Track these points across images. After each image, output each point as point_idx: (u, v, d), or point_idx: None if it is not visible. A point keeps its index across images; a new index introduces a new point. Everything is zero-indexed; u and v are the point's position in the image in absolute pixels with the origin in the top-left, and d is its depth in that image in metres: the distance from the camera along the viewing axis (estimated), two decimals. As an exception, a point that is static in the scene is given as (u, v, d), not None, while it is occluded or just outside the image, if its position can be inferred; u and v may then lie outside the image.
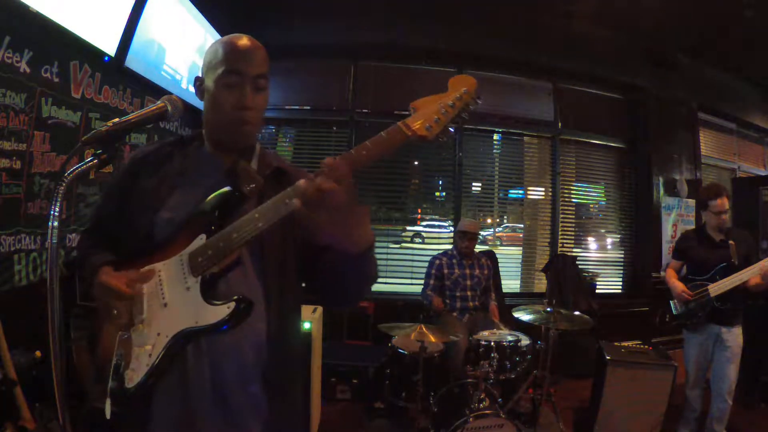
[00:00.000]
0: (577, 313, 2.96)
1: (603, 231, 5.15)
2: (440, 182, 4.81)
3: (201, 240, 0.95)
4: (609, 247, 5.14)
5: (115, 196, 1.12)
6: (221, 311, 0.91)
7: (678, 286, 2.83)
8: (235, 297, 0.92)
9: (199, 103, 1.09)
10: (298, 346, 1.17)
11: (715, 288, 2.66)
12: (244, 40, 1.03)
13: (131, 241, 1.04)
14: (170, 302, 0.95)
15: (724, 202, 2.72)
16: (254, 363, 1.00)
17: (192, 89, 1.12)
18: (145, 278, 0.97)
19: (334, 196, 0.81)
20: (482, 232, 4.57)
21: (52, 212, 0.79)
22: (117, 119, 0.90)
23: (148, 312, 0.96)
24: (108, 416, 0.91)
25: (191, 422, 0.96)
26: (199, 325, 0.92)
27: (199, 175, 1.06)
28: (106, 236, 1.11)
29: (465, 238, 3.41)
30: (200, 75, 1.08)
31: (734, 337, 2.69)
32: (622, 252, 5.10)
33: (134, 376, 0.93)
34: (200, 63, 1.10)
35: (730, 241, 2.69)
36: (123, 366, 0.94)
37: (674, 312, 2.88)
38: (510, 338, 2.78)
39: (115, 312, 0.95)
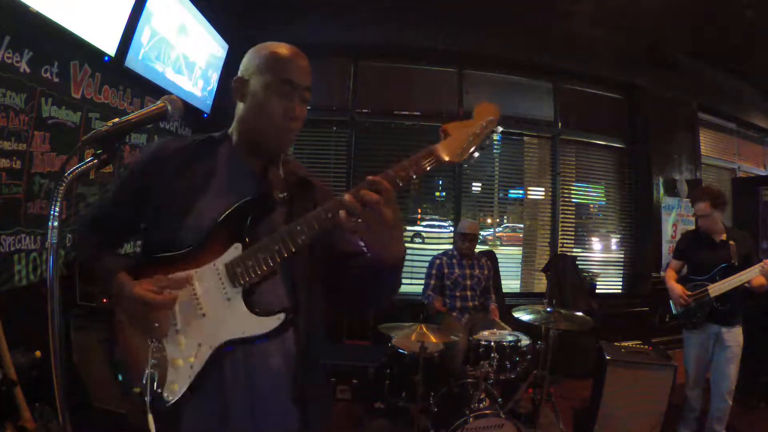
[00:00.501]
0: (577, 313, 2.96)
1: (603, 231, 5.15)
2: (440, 182, 4.81)
3: (237, 250, 0.94)
4: (609, 247, 5.14)
5: (132, 192, 1.05)
6: (270, 322, 0.93)
7: (676, 288, 2.83)
8: (284, 308, 0.95)
9: (199, 104, 1.09)
10: (323, 353, 1.16)
11: (715, 288, 2.67)
12: (298, 52, 1.05)
13: (154, 243, 0.99)
14: (209, 313, 0.94)
15: (699, 207, 2.74)
16: (285, 372, 1.00)
17: (195, 89, 1.11)
18: (178, 285, 0.93)
19: (377, 210, 0.84)
20: (482, 232, 4.57)
21: (52, 212, 0.79)
22: (117, 119, 0.89)
23: (183, 322, 0.94)
24: (153, 431, 0.88)
25: (227, 424, 0.96)
26: (246, 335, 0.93)
27: (229, 179, 1.04)
28: (115, 234, 1.06)
29: (466, 239, 3.41)
30: (243, 77, 1.04)
31: (734, 336, 2.69)
32: (622, 252, 5.10)
33: (175, 387, 0.92)
34: (201, 62, 1.10)
35: (730, 242, 2.69)
36: (159, 378, 0.91)
37: (674, 312, 2.90)
38: (510, 338, 2.78)
39: (151, 324, 0.91)
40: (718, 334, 2.71)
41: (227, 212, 0.96)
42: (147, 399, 0.89)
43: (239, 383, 0.97)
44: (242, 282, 0.93)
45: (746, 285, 2.58)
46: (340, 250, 1.05)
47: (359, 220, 0.85)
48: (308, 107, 1.08)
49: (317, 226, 0.90)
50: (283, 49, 1.04)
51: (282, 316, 0.94)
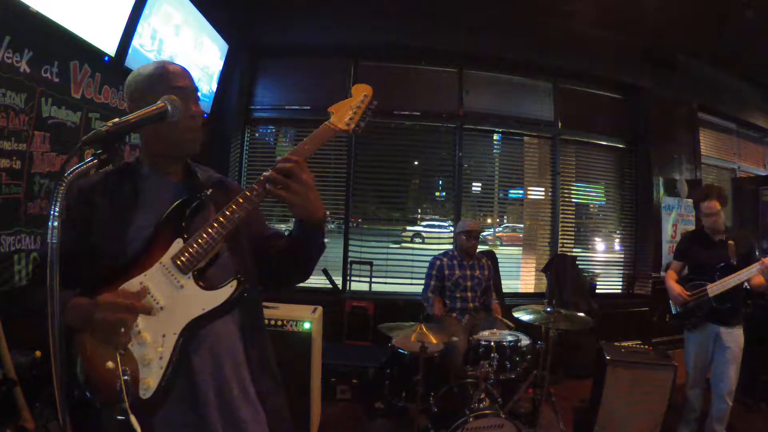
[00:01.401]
0: (577, 313, 2.96)
1: (603, 231, 5.15)
2: (440, 182, 4.82)
3: (179, 244, 1.03)
4: (609, 247, 5.15)
5: (74, 230, 1.03)
6: (225, 291, 1.02)
7: (675, 288, 2.83)
8: (237, 275, 1.04)
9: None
10: (262, 326, 1.24)
11: (714, 288, 2.66)
12: (173, 64, 1.16)
13: (98, 268, 1.03)
14: (167, 305, 1.00)
15: (711, 205, 2.73)
16: (240, 351, 1.11)
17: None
18: (136, 296, 0.96)
19: (296, 175, 1.00)
20: (482, 233, 4.58)
21: (52, 212, 0.79)
22: (117, 119, 0.89)
23: (143, 321, 0.97)
24: (139, 430, 0.92)
25: (200, 418, 1.03)
26: (206, 310, 1.01)
27: (156, 192, 1.12)
28: (67, 275, 1.02)
29: (471, 237, 3.40)
30: (134, 102, 1.09)
31: (734, 337, 2.68)
32: (622, 252, 5.10)
33: (149, 382, 0.95)
34: (201, 62, 1.11)
35: (729, 241, 2.68)
36: (132, 379, 0.94)
37: (673, 311, 2.90)
38: (510, 338, 2.78)
39: (117, 331, 0.93)
40: (717, 334, 2.71)
41: (164, 215, 1.05)
42: (125, 405, 0.91)
43: (207, 366, 1.04)
44: (191, 267, 1.01)
45: (745, 285, 2.58)
46: (263, 236, 1.22)
47: (284, 188, 1.01)
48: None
49: (247, 203, 1.03)
50: (162, 64, 1.14)
51: (234, 282, 1.02)
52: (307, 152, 1.06)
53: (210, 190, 1.13)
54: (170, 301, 1.00)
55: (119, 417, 0.91)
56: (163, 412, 0.98)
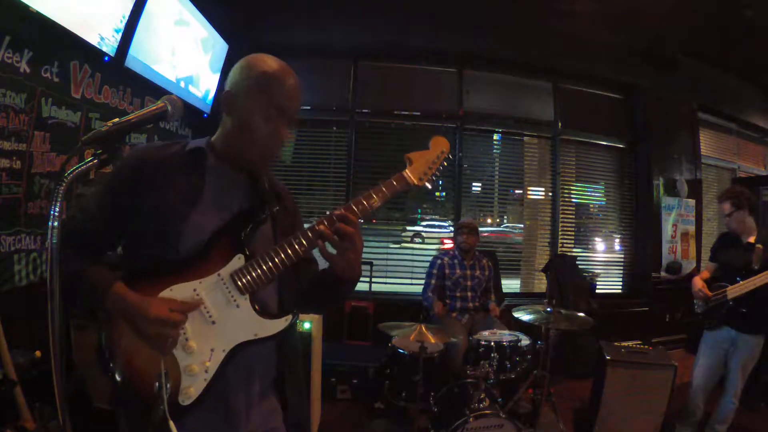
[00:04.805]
0: (578, 313, 2.96)
1: (603, 231, 5.16)
2: (440, 182, 4.82)
3: (240, 260, 0.99)
4: (609, 247, 5.15)
5: (115, 206, 1.02)
6: (280, 324, 1.01)
7: (697, 283, 2.81)
8: (293, 310, 1.03)
9: (199, 104, 1.09)
10: (299, 349, 1.21)
11: (733, 291, 2.62)
12: (289, 72, 1.06)
13: (145, 253, 0.99)
14: (219, 320, 0.98)
15: (722, 207, 2.74)
16: (268, 372, 1.10)
17: (194, 90, 1.11)
18: (190, 307, 0.95)
19: (351, 240, 0.98)
20: (478, 228, 4.57)
21: (52, 212, 0.79)
22: (117, 119, 0.89)
23: (193, 330, 0.97)
24: None
25: (229, 426, 1.02)
26: (258, 337, 1.00)
27: (220, 189, 1.05)
28: (94, 248, 1.03)
29: (463, 232, 3.41)
30: (232, 92, 1.04)
31: (751, 346, 2.63)
32: (622, 252, 5.10)
33: (191, 391, 0.95)
34: (201, 62, 1.10)
35: (758, 245, 2.62)
36: (172, 385, 0.94)
37: (696, 310, 2.86)
38: (510, 338, 2.78)
39: (164, 339, 0.93)
40: (735, 339, 2.66)
41: (225, 223, 1.01)
42: (163, 407, 0.91)
43: (241, 383, 1.03)
44: (250, 289, 0.99)
45: None
46: (303, 259, 1.13)
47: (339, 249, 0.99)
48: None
49: (313, 239, 0.99)
50: (282, 75, 1.04)
51: (290, 317, 1.02)
52: (375, 205, 1.02)
53: (277, 208, 1.09)
54: (223, 317, 0.98)
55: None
56: (193, 419, 0.96)
